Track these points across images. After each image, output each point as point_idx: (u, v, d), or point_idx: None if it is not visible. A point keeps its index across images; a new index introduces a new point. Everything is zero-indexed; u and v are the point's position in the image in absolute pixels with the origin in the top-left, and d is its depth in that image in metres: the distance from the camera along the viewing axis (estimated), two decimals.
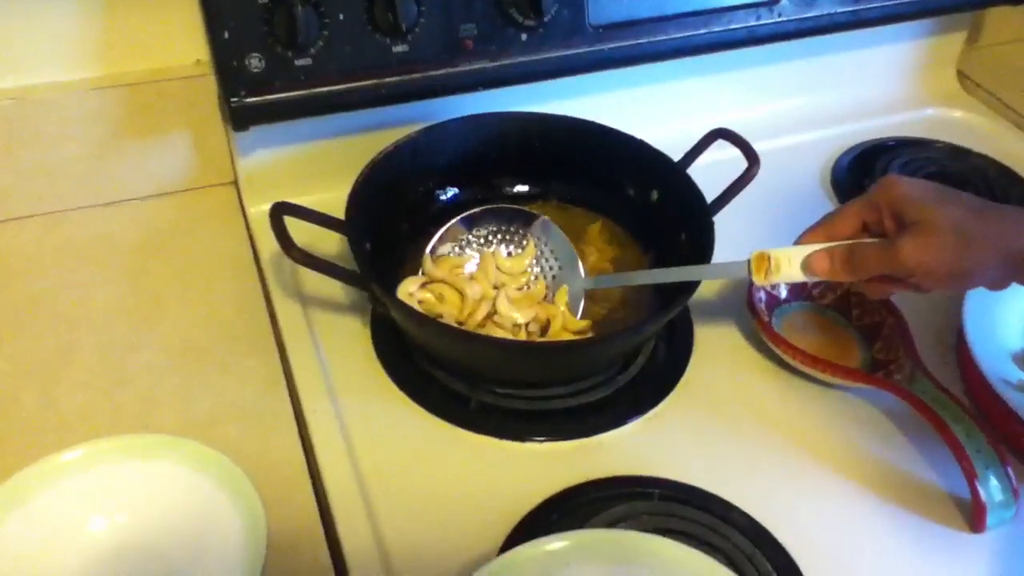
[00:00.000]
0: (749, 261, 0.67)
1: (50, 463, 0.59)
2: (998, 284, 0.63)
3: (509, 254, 0.82)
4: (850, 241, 0.66)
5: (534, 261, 0.81)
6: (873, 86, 1.13)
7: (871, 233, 0.66)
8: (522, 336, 0.76)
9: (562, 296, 0.79)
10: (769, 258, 0.66)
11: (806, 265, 0.66)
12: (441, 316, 0.76)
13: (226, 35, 0.76)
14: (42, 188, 0.86)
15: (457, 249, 0.81)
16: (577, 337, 0.75)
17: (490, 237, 0.82)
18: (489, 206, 0.83)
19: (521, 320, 0.76)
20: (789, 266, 0.66)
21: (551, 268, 0.81)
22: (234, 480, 0.59)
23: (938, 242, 0.61)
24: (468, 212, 0.82)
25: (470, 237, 0.82)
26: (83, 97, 0.83)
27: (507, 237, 0.82)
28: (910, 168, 1.01)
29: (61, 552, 0.58)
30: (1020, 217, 0.63)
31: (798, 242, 0.68)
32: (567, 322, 0.77)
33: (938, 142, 1.07)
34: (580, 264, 0.80)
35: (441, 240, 0.81)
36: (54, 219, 0.87)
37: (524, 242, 0.82)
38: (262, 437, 0.69)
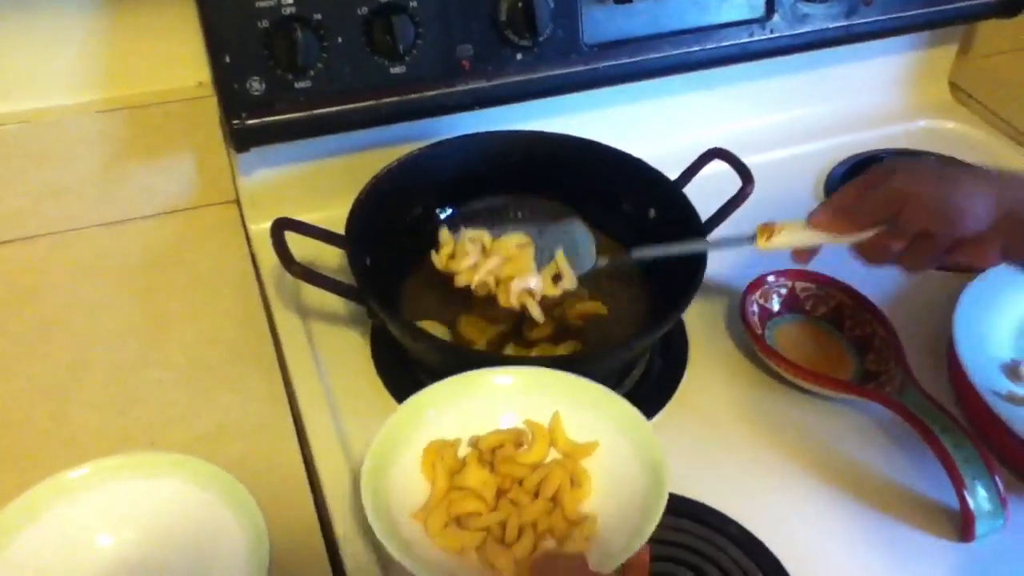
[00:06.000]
0: (755, 230, 0.72)
1: (59, 480, 0.60)
2: (991, 240, 0.66)
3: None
4: None
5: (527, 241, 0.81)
6: (866, 98, 1.14)
7: None
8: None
9: (556, 262, 0.80)
10: (772, 227, 0.72)
11: (809, 220, 0.70)
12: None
13: (227, 59, 0.78)
14: (50, 208, 0.88)
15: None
16: (568, 354, 0.77)
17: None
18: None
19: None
20: (791, 228, 0.71)
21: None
22: (238, 497, 0.61)
23: (929, 175, 0.66)
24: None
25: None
26: (89, 120, 0.85)
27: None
28: None
29: (71, 568, 0.59)
30: (1010, 174, 0.68)
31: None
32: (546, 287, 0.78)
33: (931, 153, 1.08)
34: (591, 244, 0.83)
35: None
36: (62, 238, 0.89)
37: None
38: (266, 453, 0.70)
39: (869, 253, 0.70)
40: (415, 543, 0.60)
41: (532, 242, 0.80)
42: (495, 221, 0.84)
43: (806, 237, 0.71)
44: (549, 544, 0.61)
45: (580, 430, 0.67)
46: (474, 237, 0.80)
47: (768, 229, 0.72)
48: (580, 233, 0.85)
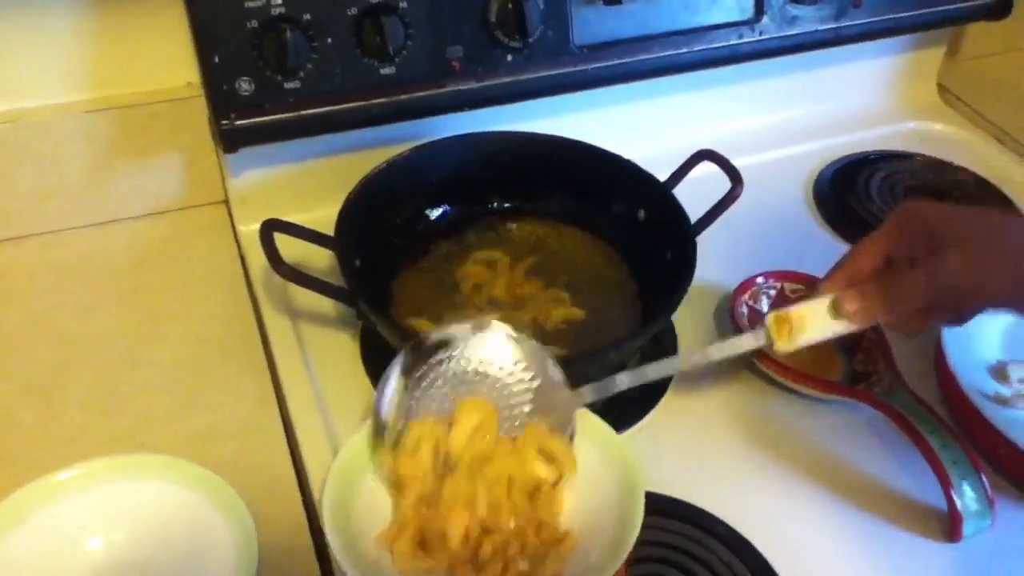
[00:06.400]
0: (766, 326, 0.61)
1: (47, 482, 0.60)
2: None
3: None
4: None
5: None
6: (854, 100, 1.14)
7: (895, 267, 0.61)
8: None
9: (531, 435, 0.64)
10: (791, 318, 0.60)
11: (836, 309, 0.60)
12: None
13: (216, 59, 0.78)
14: (38, 209, 0.88)
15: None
16: (559, 355, 0.76)
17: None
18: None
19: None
20: (815, 319, 0.60)
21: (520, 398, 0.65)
22: (226, 498, 0.61)
23: (992, 255, 0.56)
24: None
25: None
26: (77, 119, 0.84)
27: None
28: (891, 181, 1.03)
29: (59, 570, 0.59)
30: None
31: (818, 292, 0.62)
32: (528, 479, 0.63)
33: (919, 155, 1.08)
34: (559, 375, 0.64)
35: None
36: (50, 239, 0.89)
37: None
38: (255, 454, 0.70)
39: (905, 328, 0.61)
40: (383, 566, 0.59)
41: (494, 405, 0.64)
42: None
43: (836, 327, 0.60)
44: (522, 567, 0.59)
45: None
46: (421, 442, 0.63)
47: (784, 322, 0.60)
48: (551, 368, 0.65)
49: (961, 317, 0.61)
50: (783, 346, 0.60)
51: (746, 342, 0.62)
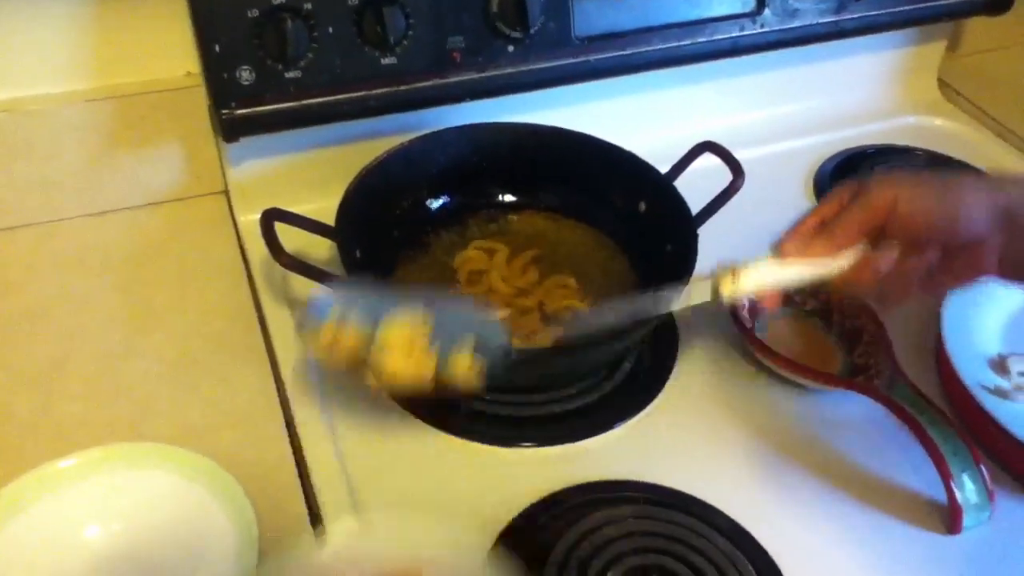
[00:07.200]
0: (714, 277, 0.62)
1: (46, 471, 0.61)
2: (990, 246, 0.60)
3: None
4: None
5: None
6: (855, 94, 1.15)
7: None
8: None
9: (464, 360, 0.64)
10: (735, 266, 0.62)
11: (776, 250, 0.61)
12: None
13: (217, 49, 0.77)
14: (36, 199, 0.87)
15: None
16: (557, 346, 0.76)
17: None
18: None
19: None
20: (759, 266, 0.62)
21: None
22: (226, 488, 0.61)
23: (911, 178, 0.60)
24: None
25: None
26: (76, 109, 0.84)
27: None
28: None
29: (58, 559, 0.59)
30: (1000, 173, 0.64)
31: None
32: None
33: (919, 150, 1.08)
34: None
35: None
36: (48, 229, 0.88)
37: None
38: (254, 445, 0.70)
39: (854, 281, 0.62)
40: None
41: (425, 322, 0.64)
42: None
43: (778, 273, 0.62)
44: None
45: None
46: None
47: (730, 269, 0.62)
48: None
49: (903, 263, 0.60)
50: (726, 290, 0.61)
51: (696, 291, 0.64)
